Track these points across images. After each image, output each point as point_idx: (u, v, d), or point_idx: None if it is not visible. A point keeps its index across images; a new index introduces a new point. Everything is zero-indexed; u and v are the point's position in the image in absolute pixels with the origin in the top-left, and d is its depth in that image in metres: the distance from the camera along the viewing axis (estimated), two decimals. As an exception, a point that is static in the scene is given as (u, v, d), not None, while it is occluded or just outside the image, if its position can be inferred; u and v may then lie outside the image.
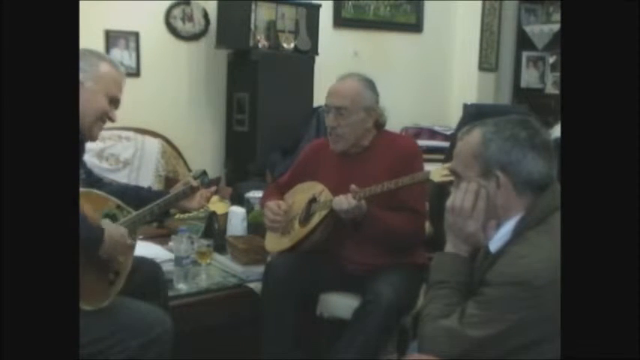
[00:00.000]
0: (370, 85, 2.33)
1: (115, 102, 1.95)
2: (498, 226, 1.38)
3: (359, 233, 2.20)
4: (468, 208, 1.37)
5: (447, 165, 1.90)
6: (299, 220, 2.35)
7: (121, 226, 1.89)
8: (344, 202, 2.12)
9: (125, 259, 1.88)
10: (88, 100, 1.85)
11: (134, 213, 1.94)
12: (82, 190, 1.85)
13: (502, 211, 1.37)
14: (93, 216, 1.84)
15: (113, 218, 1.90)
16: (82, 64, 1.86)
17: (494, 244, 1.39)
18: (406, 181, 2.06)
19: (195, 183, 2.11)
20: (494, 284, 1.30)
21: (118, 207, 1.92)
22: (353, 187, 2.12)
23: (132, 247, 1.92)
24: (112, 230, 1.82)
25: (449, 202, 1.43)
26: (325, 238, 2.29)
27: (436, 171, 1.94)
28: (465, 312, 1.32)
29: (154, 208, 1.99)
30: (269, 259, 2.49)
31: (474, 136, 1.40)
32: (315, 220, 2.28)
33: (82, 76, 1.86)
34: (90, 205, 1.85)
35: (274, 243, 2.43)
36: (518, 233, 1.35)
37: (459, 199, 1.39)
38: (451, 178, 1.83)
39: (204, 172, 2.16)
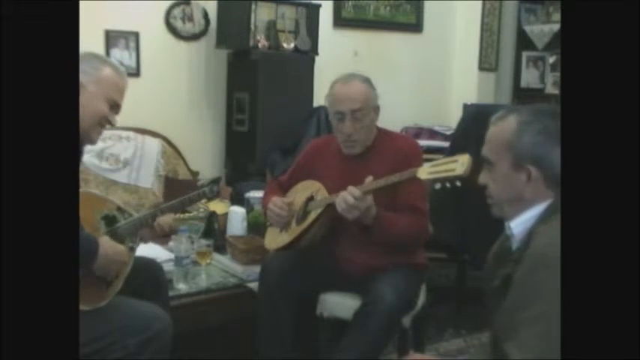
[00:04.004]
0: (371, 84, 2.34)
1: (115, 107, 1.91)
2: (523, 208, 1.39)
3: (369, 238, 2.17)
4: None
5: (433, 162, 1.91)
6: (296, 218, 2.35)
7: (122, 230, 1.88)
8: (348, 197, 2.05)
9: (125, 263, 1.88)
10: (89, 104, 1.83)
11: (135, 216, 1.94)
12: (80, 190, 1.84)
13: (530, 201, 1.37)
14: (91, 217, 1.83)
15: (113, 220, 1.89)
16: (85, 67, 1.84)
17: (518, 226, 1.39)
18: (394, 178, 2.03)
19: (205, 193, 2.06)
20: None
21: (119, 209, 1.91)
22: (350, 187, 2.10)
23: (132, 250, 1.92)
24: (108, 247, 1.79)
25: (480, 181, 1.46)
26: (322, 235, 2.29)
27: (423, 168, 1.94)
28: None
29: (157, 212, 1.99)
30: (267, 257, 2.49)
31: (509, 123, 1.39)
32: (311, 217, 2.28)
33: (84, 78, 1.83)
34: (88, 206, 1.84)
35: (272, 240, 2.44)
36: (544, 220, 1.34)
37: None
38: (436, 176, 1.85)
39: (215, 181, 2.08)
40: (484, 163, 1.45)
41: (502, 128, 1.40)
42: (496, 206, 1.44)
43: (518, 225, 1.39)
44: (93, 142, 1.94)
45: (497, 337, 1.39)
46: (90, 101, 1.84)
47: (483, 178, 1.45)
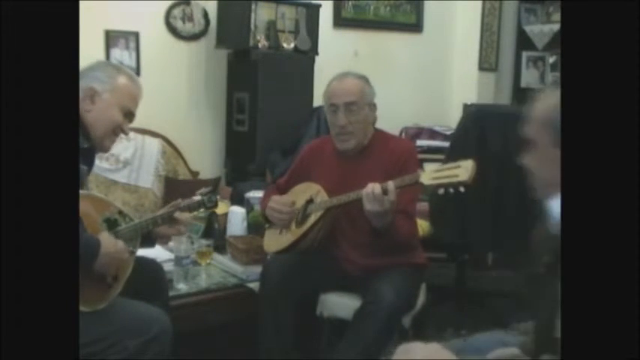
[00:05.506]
0: (368, 81, 2.36)
1: (129, 116, 1.93)
2: None
3: (382, 240, 2.15)
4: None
5: (437, 167, 1.90)
6: (296, 220, 2.35)
7: (122, 233, 1.88)
8: (377, 187, 1.98)
9: (125, 266, 1.88)
10: (103, 112, 1.85)
11: (136, 221, 1.94)
12: (83, 192, 1.84)
13: None
14: (93, 219, 1.83)
15: (114, 223, 1.89)
16: (100, 75, 1.86)
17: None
18: (395, 183, 2.00)
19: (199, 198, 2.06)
20: None
21: (120, 212, 1.91)
22: (389, 182, 2.01)
23: (132, 254, 1.91)
24: (109, 245, 1.79)
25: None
26: (321, 238, 2.29)
27: (426, 173, 1.91)
28: None
29: (157, 218, 1.98)
30: (268, 258, 2.49)
31: (549, 98, 1.31)
32: (311, 220, 2.28)
33: (99, 86, 1.85)
34: (91, 208, 1.84)
35: (272, 243, 2.44)
36: None
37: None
38: (439, 181, 1.82)
39: (212, 191, 2.09)
40: (525, 144, 1.36)
41: (543, 104, 1.33)
42: (541, 190, 1.35)
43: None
44: (106, 150, 1.95)
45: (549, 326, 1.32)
46: (105, 109, 1.86)
47: (526, 160, 1.37)
